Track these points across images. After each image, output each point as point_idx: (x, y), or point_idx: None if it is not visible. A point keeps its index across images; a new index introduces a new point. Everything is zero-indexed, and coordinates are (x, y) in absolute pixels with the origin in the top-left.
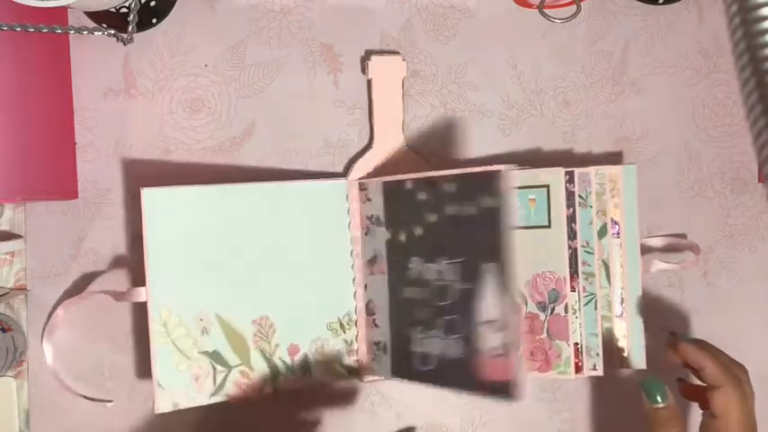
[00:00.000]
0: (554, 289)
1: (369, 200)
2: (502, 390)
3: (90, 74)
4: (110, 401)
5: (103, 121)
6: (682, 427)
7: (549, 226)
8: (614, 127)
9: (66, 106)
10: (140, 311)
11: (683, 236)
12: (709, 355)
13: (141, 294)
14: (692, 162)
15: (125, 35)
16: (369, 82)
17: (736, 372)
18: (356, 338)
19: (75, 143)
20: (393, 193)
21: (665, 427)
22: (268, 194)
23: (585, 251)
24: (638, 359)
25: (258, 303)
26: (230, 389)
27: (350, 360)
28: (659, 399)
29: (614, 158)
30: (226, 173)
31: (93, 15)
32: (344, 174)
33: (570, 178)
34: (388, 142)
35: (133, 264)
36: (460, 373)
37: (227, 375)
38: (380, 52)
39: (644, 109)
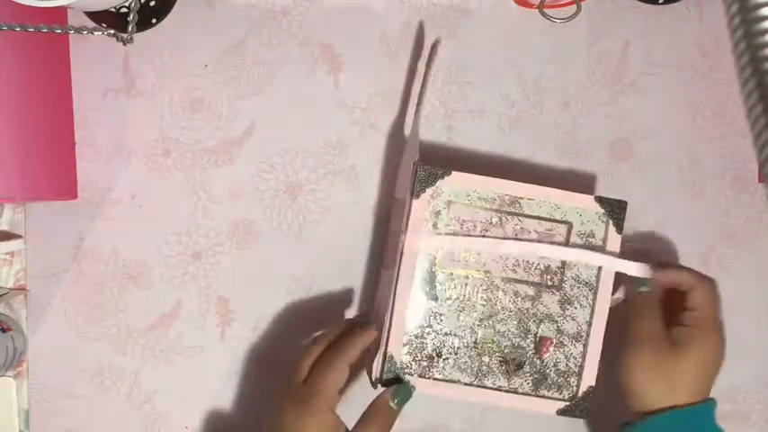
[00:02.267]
0: None
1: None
2: None
3: (90, 74)
4: None
5: (103, 121)
6: (658, 313)
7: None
8: (614, 127)
9: (66, 106)
10: None
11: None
12: (685, 269)
13: None
14: (692, 162)
15: (125, 35)
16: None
17: (709, 277)
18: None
19: (74, 143)
20: None
21: (645, 311)
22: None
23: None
24: None
25: None
26: None
27: None
28: (643, 285)
29: (612, 159)
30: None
31: (93, 15)
32: None
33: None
34: None
35: None
36: None
37: None
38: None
39: (644, 109)
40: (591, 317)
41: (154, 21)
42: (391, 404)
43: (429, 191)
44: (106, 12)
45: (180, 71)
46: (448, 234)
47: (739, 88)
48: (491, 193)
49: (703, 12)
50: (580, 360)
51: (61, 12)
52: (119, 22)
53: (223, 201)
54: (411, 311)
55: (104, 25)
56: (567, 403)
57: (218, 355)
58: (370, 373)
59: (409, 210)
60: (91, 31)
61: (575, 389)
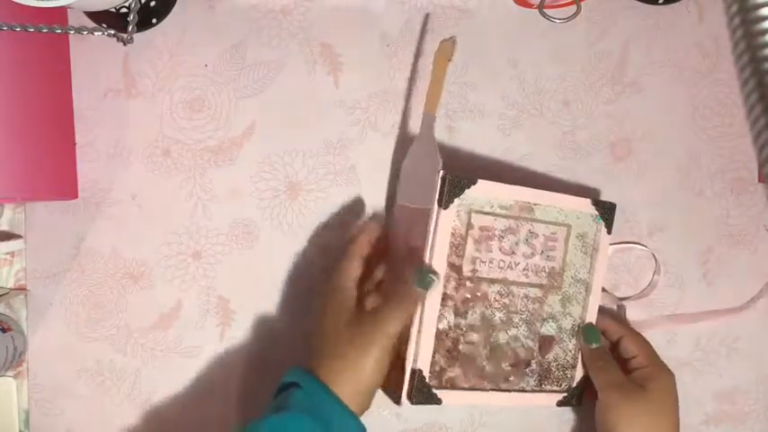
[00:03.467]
0: None
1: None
2: None
3: (90, 74)
4: None
5: (103, 121)
6: (612, 363)
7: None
8: (614, 127)
9: (66, 106)
10: None
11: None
12: (609, 319)
13: None
14: (692, 162)
15: (125, 35)
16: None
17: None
18: None
19: (75, 143)
20: None
21: (599, 362)
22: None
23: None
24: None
25: None
26: None
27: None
28: (593, 341)
29: (612, 159)
30: None
31: (93, 15)
32: None
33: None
34: None
35: None
36: None
37: None
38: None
39: (644, 109)
40: (583, 311)
41: (154, 21)
42: (417, 288)
43: (456, 201)
44: (106, 12)
45: (180, 71)
46: (471, 242)
47: (739, 88)
48: (509, 201)
49: (703, 12)
50: (575, 352)
51: (61, 12)
52: (119, 22)
53: (223, 201)
54: (438, 325)
55: (104, 25)
56: (565, 394)
57: (218, 355)
58: (395, 388)
59: (437, 220)
60: (91, 31)
61: (571, 380)
